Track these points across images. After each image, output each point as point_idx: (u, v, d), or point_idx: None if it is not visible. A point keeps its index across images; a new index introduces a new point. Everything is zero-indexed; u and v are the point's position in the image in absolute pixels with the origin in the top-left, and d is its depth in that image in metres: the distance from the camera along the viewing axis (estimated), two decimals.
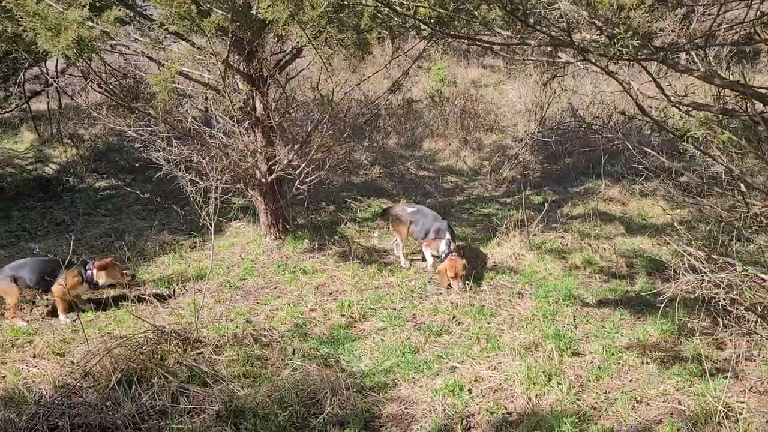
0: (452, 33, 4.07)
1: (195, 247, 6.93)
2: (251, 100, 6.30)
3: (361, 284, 5.64)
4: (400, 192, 8.56)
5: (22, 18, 4.37)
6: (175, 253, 6.72)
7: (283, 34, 5.43)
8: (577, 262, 5.73)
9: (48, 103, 13.75)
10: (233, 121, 6.26)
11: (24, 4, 4.29)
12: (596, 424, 3.43)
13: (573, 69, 10.30)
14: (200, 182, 6.45)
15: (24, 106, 12.38)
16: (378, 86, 10.39)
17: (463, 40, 5.01)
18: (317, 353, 4.39)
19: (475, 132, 11.04)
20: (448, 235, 5.59)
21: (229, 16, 4.69)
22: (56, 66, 12.71)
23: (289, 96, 6.65)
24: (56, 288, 5.18)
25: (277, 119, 6.31)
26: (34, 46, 4.84)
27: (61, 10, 4.59)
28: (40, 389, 3.99)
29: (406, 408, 3.78)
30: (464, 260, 5.35)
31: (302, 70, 7.77)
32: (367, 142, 9.03)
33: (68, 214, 8.68)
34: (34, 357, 4.44)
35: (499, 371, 4.02)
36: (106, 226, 7.89)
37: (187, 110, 6.29)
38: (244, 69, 6.07)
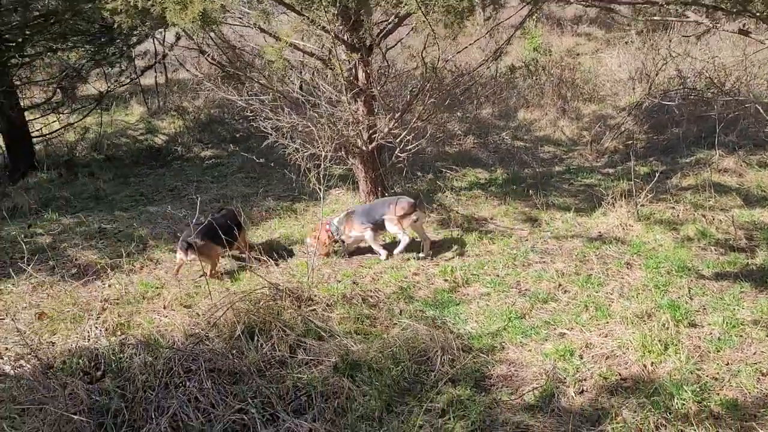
0: None
1: (298, 212, 7.19)
2: (354, 70, 6.44)
3: (462, 251, 5.70)
4: (495, 162, 8.50)
5: None
6: (280, 218, 7.02)
7: (394, 2, 5.46)
8: (690, 234, 5.52)
9: (156, 77, 14.52)
10: (337, 90, 6.42)
11: None
12: (718, 394, 3.35)
13: (681, 32, 9.76)
14: (305, 150, 6.70)
15: (135, 80, 13.08)
16: (470, 56, 10.28)
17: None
18: (423, 315, 4.51)
19: (573, 101, 10.72)
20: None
21: None
22: (162, 42, 13.39)
23: (390, 64, 6.73)
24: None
25: (378, 88, 6.41)
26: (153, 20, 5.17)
27: None
28: (172, 336, 4.34)
29: (515, 370, 3.83)
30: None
31: (401, 39, 7.81)
32: (460, 112, 9.00)
33: (179, 180, 9.22)
34: (164, 308, 4.81)
35: (611, 338, 3.98)
36: (215, 192, 8.32)
37: (293, 80, 6.47)
38: (348, 39, 6.19)
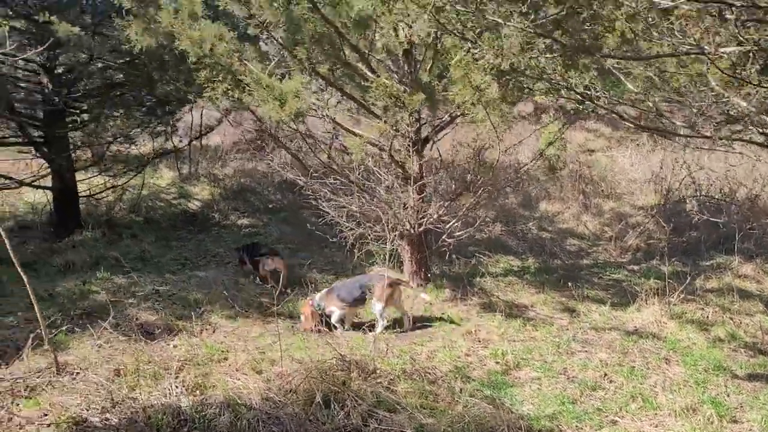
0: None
1: None
2: (409, 160, 7.04)
3: (507, 336, 6.09)
4: (525, 250, 9.02)
5: (254, 89, 5.27)
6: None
7: (455, 105, 6.11)
8: (721, 335, 5.95)
9: (190, 144, 15.20)
10: (393, 176, 6.99)
11: (259, 79, 5.19)
12: None
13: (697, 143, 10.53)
14: (354, 229, 7.20)
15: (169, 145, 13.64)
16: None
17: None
18: (482, 394, 4.85)
19: (593, 197, 11.38)
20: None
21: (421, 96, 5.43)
22: (201, 115, 14.16)
23: (441, 156, 7.36)
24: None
25: (430, 177, 7.00)
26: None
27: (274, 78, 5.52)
28: (249, 399, 4.66)
29: None
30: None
31: (446, 132, 8.49)
32: (484, 200, 9.60)
33: (220, 247, 9.65)
34: (236, 371, 5.14)
35: (663, 429, 4.33)
36: None
37: (354, 166, 7.03)
38: (407, 133, 6.82)
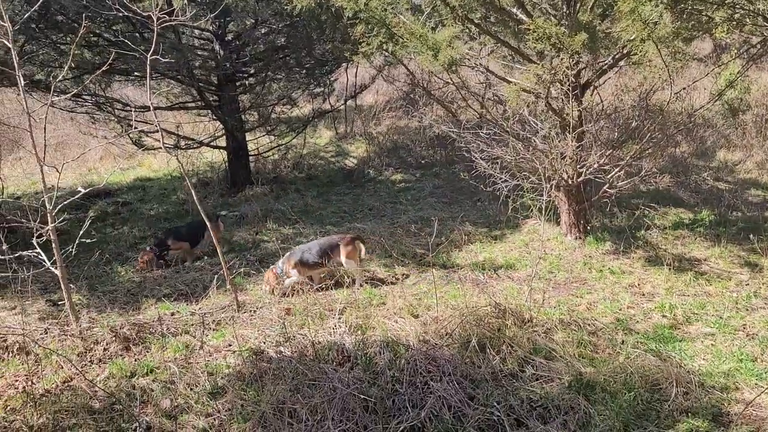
0: None
1: (497, 238, 7.55)
2: (567, 106, 6.71)
3: (676, 290, 5.70)
4: (699, 203, 8.29)
5: (408, 41, 5.30)
6: (481, 242, 7.42)
7: (621, 45, 5.70)
8: None
9: (345, 103, 15.72)
10: (549, 125, 6.73)
11: (412, 30, 5.22)
12: None
13: None
14: (508, 181, 7.07)
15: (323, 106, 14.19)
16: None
17: None
18: (646, 347, 4.62)
19: None
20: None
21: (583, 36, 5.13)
22: (355, 73, 14.55)
23: (602, 102, 6.93)
24: None
25: (590, 125, 6.63)
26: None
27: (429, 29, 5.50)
28: (407, 341, 4.85)
29: (754, 410, 3.84)
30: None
31: (609, 77, 7.96)
32: (650, 148, 8.88)
33: (376, 200, 10.01)
34: (394, 314, 5.37)
35: None
36: (412, 214, 8.94)
37: (510, 115, 6.87)
38: (566, 78, 6.49)
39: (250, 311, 5.73)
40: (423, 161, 12.31)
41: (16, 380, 4.68)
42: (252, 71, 10.77)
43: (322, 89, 12.23)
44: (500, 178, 7.07)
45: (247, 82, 11.01)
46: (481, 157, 7.11)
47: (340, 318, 5.32)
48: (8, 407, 4.25)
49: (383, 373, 4.35)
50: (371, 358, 4.63)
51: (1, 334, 5.24)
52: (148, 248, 7.40)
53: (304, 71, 11.13)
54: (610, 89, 8.08)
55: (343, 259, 6.27)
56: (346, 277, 6.37)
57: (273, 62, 10.38)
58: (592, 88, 6.76)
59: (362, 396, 3.93)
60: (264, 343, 5.07)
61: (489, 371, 4.32)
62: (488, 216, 8.50)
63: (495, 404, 3.91)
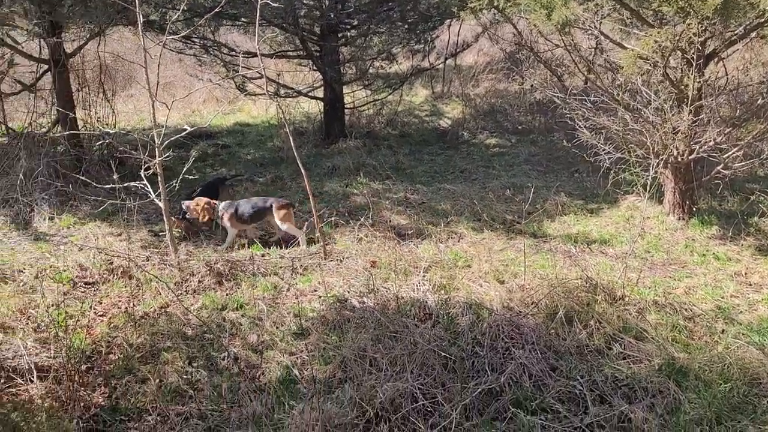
0: None
1: (593, 212, 7.25)
2: (687, 77, 6.25)
3: None
4: None
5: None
6: (575, 214, 7.16)
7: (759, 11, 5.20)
8: None
9: (444, 62, 15.41)
10: (663, 96, 6.30)
11: None
12: None
13: None
14: (611, 153, 6.72)
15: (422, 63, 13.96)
16: None
17: None
18: (749, 338, 4.33)
19: None
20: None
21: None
22: (458, 31, 14.18)
23: (727, 75, 6.41)
24: None
25: (710, 99, 6.15)
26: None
27: None
28: (491, 305, 4.79)
29: None
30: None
31: (737, 49, 7.33)
32: None
33: (468, 163, 9.84)
34: (479, 278, 5.30)
35: None
36: (504, 180, 8.73)
37: (621, 83, 6.49)
38: (689, 47, 6.02)
39: (337, 260, 5.84)
40: (520, 127, 11.95)
41: (119, 301, 5.03)
42: (355, 23, 10.73)
43: (423, 46, 12.00)
44: (603, 150, 6.74)
45: (348, 34, 10.98)
46: (585, 126, 6.79)
47: (424, 276, 5.32)
48: (112, 324, 4.57)
49: (464, 334, 4.34)
50: (453, 318, 4.62)
51: (108, 257, 5.62)
52: (173, 219, 6.79)
53: (407, 26, 10.96)
54: (734, 62, 7.44)
55: (278, 221, 6.37)
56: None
57: (377, 14, 10.28)
58: (716, 59, 6.24)
59: (443, 354, 3.92)
60: (348, 292, 5.17)
61: (574, 344, 4.20)
62: (585, 188, 8.17)
63: (578, 378, 3.81)
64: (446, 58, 13.54)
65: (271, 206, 6.39)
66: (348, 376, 3.90)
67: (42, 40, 8.30)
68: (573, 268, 5.47)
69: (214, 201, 6.48)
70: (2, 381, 3.70)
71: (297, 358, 4.24)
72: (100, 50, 9.33)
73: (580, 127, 6.76)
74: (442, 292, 5.07)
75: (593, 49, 7.97)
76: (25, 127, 8.70)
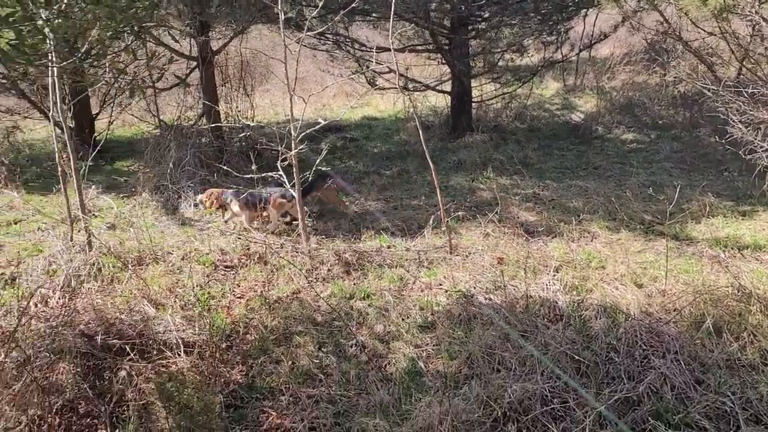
0: None
1: (745, 214, 6.62)
2: None
3: None
4: None
5: None
6: (725, 217, 6.57)
7: None
8: None
9: (578, 54, 14.74)
10: None
11: None
12: None
13: None
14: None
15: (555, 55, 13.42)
16: None
17: None
18: None
19: None
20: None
21: None
22: (594, 21, 13.48)
23: None
24: None
25: None
26: None
27: None
28: (627, 309, 4.52)
29: None
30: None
31: None
32: None
33: (602, 159, 9.36)
34: (614, 280, 5.02)
35: None
36: (643, 178, 8.20)
37: None
38: None
39: (463, 255, 5.78)
40: (660, 121, 11.19)
41: (256, 284, 5.30)
42: (486, 15, 10.55)
43: (556, 37, 11.56)
44: (761, 147, 6.13)
45: (479, 27, 10.82)
46: (739, 121, 6.21)
47: (554, 275, 5.13)
48: (249, 306, 4.83)
49: (598, 338, 4.12)
50: (586, 321, 4.41)
51: (246, 243, 5.96)
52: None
53: (539, 17, 10.60)
54: None
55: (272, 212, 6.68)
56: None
57: (509, 6, 10.03)
58: None
59: (576, 357, 3.75)
60: (474, 287, 5.09)
61: (723, 357, 3.85)
62: (736, 188, 7.49)
63: (728, 394, 3.48)
64: (581, 50, 12.94)
65: (269, 199, 6.72)
66: (474, 372, 3.84)
67: (192, 39, 8.95)
68: (722, 275, 5.02)
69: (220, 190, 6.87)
70: (155, 353, 4.02)
71: (422, 350, 4.24)
72: (241, 48, 9.90)
73: (733, 121, 6.18)
74: (574, 293, 4.86)
75: (751, 36, 7.23)
76: (174, 120, 9.43)
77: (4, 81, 9.54)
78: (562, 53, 12.05)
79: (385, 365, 4.08)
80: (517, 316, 4.38)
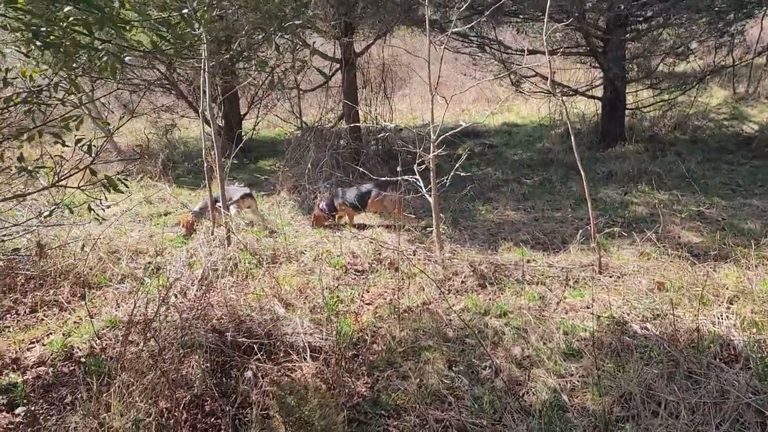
0: None
1: None
2: None
3: None
4: None
5: None
6: None
7: None
8: None
9: (753, 58, 13.15)
10: None
11: None
12: None
13: None
14: None
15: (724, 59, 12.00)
16: None
17: None
18: None
19: None
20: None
21: None
22: None
23: None
24: None
25: None
26: None
27: None
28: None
29: None
30: None
31: None
32: None
33: None
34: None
35: None
36: None
37: None
38: None
39: (614, 276, 5.15)
40: None
41: (385, 291, 5.06)
42: (648, 14, 9.63)
43: (729, 40, 10.34)
44: None
45: (640, 27, 9.90)
46: None
47: (728, 308, 4.37)
48: (377, 314, 4.59)
49: None
50: None
51: (377, 248, 5.74)
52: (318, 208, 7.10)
53: (710, 17, 9.48)
54: None
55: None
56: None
57: (677, 3, 9.06)
58: None
59: (763, 411, 3.08)
60: (628, 314, 4.48)
61: None
62: None
63: None
64: (757, 54, 11.51)
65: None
66: (630, 414, 3.29)
67: (336, 41, 8.99)
68: None
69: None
70: (281, 354, 3.89)
71: (566, 381, 3.74)
72: (382, 50, 9.82)
73: None
74: (754, 330, 4.09)
75: None
76: (315, 122, 9.53)
77: (166, 82, 10.23)
78: (733, 57, 10.77)
79: (523, 394, 3.64)
80: (683, 352, 3.74)
